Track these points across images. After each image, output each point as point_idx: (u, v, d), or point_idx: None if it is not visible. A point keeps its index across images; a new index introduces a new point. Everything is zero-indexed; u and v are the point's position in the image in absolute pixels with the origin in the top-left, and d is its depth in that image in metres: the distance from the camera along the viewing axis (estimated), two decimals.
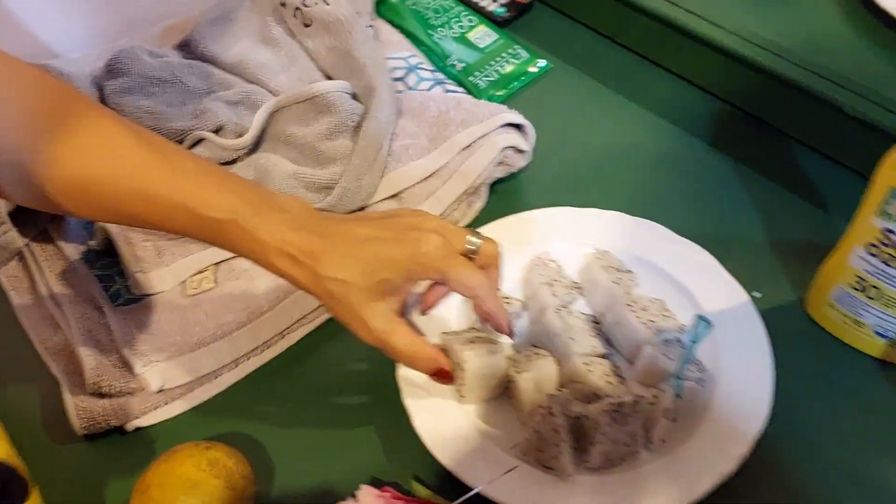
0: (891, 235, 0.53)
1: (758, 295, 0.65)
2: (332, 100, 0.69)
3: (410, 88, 0.79)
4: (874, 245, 0.55)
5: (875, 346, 0.60)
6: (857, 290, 0.58)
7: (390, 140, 0.71)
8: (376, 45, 0.75)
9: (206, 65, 0.77)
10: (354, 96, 0.72)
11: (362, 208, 0.69)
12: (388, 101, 0.71)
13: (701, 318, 0.51)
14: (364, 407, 0.61)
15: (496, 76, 0.83)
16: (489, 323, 0.55)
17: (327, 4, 0.75)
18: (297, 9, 0.76)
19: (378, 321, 0.51)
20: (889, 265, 0.54)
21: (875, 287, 0.56)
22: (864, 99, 0.69)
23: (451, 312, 0.64)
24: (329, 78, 0.77)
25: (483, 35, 0.86)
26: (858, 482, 0.55)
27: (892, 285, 0.55)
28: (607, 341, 0.62)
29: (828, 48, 0.76)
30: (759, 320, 0.60)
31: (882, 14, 0.77)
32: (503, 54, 0.85)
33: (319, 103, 0.69)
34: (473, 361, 0.57)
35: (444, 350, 0.59)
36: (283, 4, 0.78)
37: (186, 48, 0.82)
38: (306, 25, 0.76)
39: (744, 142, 0.77)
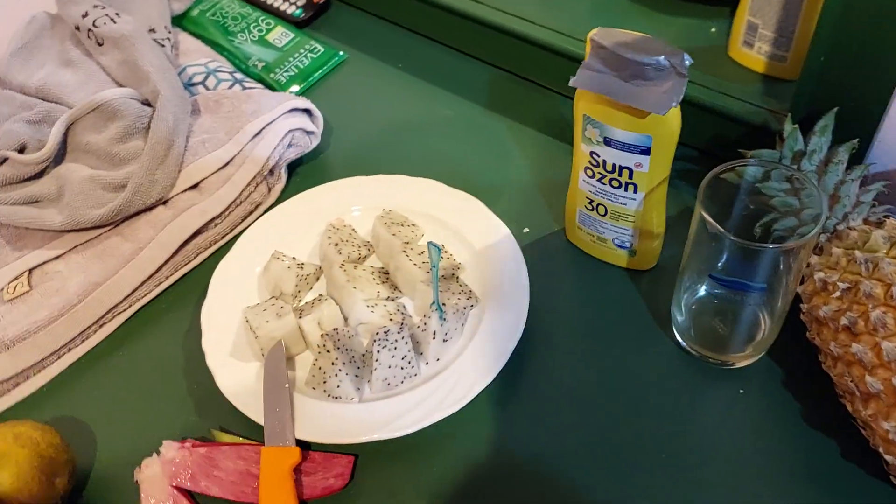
0: (595, 157, 0.62)
1: (527, 230, 0.73)
2: (117, 106, 0.74)
3: (209, 90, 0.85)
4: (588, 168, 0.63)
5: (620, 258, 0.69)
6: (590, 209, 0.67)
7: (186, 137, 0.77)
8: (161, 53, 0.81)
9: (9, 92, 0.81)
10: (147, 103, 0.78)
11: (164, 202, 0.74)
12: (175, 101, 0.77)
13: (430, 243, 0.59)
14: (175, 377, 0.67)
15: (295, 71, 0.90)
16: None
17: (115, 23, 0.80)
18: (90, 30, 0.82)
19: None
20: (603, 183, 0.63)
21: (601, 205, 0.65)
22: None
23: (252, 288, 0.70)
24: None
25: (281, 35, 0.93)
26: (607, 368, 0.64)
27: (612, 200, 0.64)
28: (395, 287, 0.69)
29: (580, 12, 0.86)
30: (518, 250, 0.68)
31: None
32: (301, 50, 0.92)
33: (107, 110, 0.75)
34: (263, 328, 0.64)
35: (246, 322, 0.66)
36: (77, 28, 0.83)
37: None
38: (99, 44, 0.82)
39: (511, 99, 0.86)
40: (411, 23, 0.95)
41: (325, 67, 0.92)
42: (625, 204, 0.63)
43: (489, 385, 0.61)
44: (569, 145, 0.80)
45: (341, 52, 0.93)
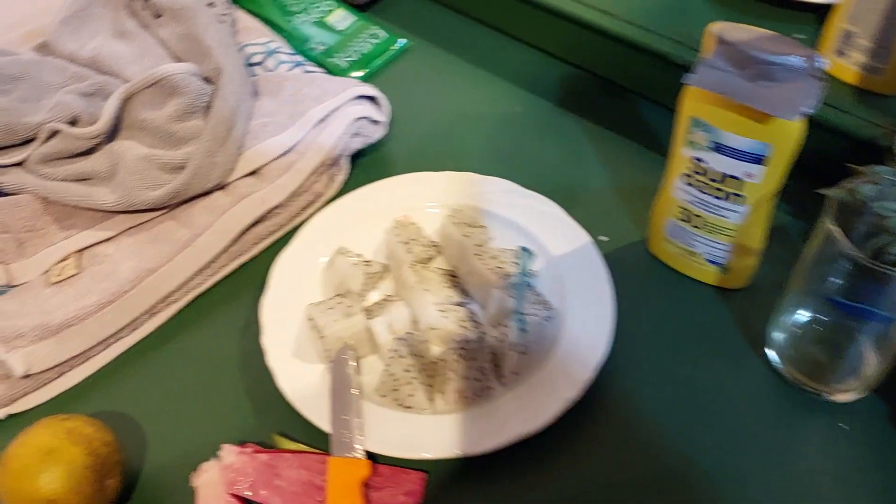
0: (700, 163, 0.57)
1: (605, 239, 0.69)
2: (178, 81, 0.70)
3: (270, 71, 0.81)
4: (688, 175, 0.59)
5: (709, 274, 0.65)
6: (683, 220, 0.62)
7: (247, 119, 0.73)
8: (223, 28, 0.76)
9: (60, 60, 0.77)
10: (206, 79, 0.74)
11: (222, 187, 0.70)
12: (238, 80, 0.73)
13: (523, 248, 0.55)
14: (231, 375, 0.63)
15: (357, 56, 0.86)
16: None
17: None
18: (147, 0, 0.77)
19: None
20: (704, 192, 0.59)
21: (697, 216, 0.61)
22: (684, 46, 0.74)
23: (315, 283, 0.66)
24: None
25: (341, 18, 0.89)
26: (695, 390, 0.60)
27: (711, 212, 0.60)
28: (464, 292, 0.65)
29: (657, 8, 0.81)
30: (601, 260, 0.64)
31: None
32: (362, 35, 0.88)
33: (166, 86, 0.70)
34: (330, 328, 0.59)
35: (310, 320, 0.62)
36: None
37: (45, 50, 0.82)
38: (156, 16, 0.77)
39: (586, 99, 0.82)
40: (478, 11, 0.91)
41: (386, 54, 0.87)
42: (726, 216, 0.59)
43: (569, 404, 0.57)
44: (649, 150, 0.76)
45: (403, 39, 0.89)
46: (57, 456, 0.51)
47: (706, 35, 0.53)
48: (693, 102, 0.55)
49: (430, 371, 0.59)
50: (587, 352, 0.59)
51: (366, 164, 0.77)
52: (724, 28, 0.52)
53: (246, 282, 0.69)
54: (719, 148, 0.55)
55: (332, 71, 0.85)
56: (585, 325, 0.61)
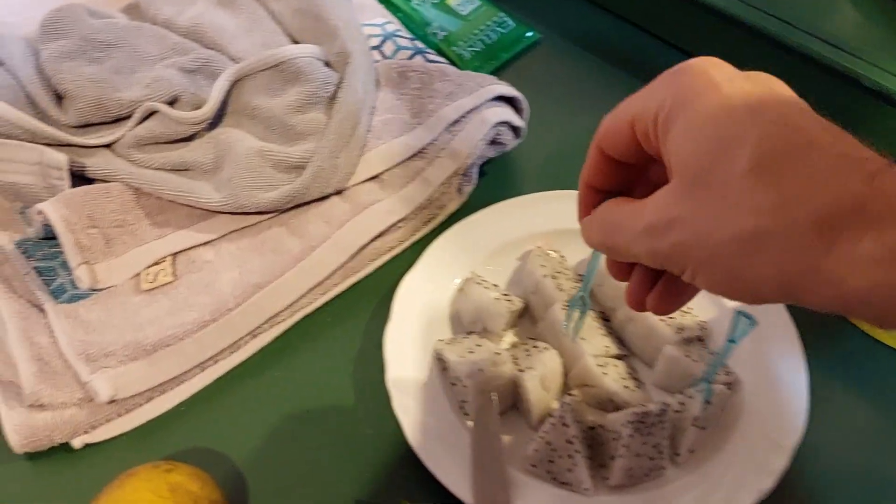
0: None
1: None
2: (303, 66, 0.61)
3: (387, 58, 0.71)
4: None
5: None
6: None
7: (370, 114, 0.63)
8: (349, 6, 0.67)
9: (157, 28, 0.68)
10: (327, 64, 0.64)
11: (339, 192, 0.61)
12: (366, 69, 0.63)
13: (742, 314, 0.45)
14: (347, 416, 0.54)
15: (481, 46, 0.76)
16: None
17: None
18: None
19: None
20: None
21: None
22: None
23: (443, 314, 0.57)
24: (296, 43, 0.69)
25: (464, 1, 0.79)
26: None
27: None
28: (620, 341, 0.56)
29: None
30: (788, 316, 0.54)
31: None
32: (488, 23, 0.78)
33: (287, 71, 0.61)
34: (474, 376, 0.50)
35: (440, 361, 0.53)
36: None
37: (135, 12, 0.73)
38: None
39: None
40: (619, 6, 0.80)
41: (514, 46, 0.77)
42: None
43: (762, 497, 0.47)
44: None
45: (533, 31, 0.79)
46: None
47: None
48: None
49: (588, 440, 0.50)
50: (779, 431, 0.50)
51: (492, 175, 0.68)
52: None
53: (357, 302, 0.60)
54: None
55: (453, 61, 0.75)
56: (775, 398, 0.51)
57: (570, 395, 0.50)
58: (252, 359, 0.57)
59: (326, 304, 0.60)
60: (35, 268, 0.57)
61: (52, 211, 0.55)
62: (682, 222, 0.32)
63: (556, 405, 0.51)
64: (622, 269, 0.41)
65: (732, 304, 0.56)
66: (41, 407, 0.51)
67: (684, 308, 0.55)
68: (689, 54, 0.75)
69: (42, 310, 0.55)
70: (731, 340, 0.46)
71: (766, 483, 0.47)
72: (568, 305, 0.53)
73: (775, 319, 0.54)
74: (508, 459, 0.50)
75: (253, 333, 0.56)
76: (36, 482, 0.52)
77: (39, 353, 0.53)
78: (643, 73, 0.74)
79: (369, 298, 0.60)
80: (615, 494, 0.49)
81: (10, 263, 0.58)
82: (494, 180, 0.67)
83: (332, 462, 0.52)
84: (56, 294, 0.56)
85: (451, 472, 0.49)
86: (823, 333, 0.57)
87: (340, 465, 0.52)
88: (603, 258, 0.42)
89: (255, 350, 0.57)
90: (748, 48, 0.70)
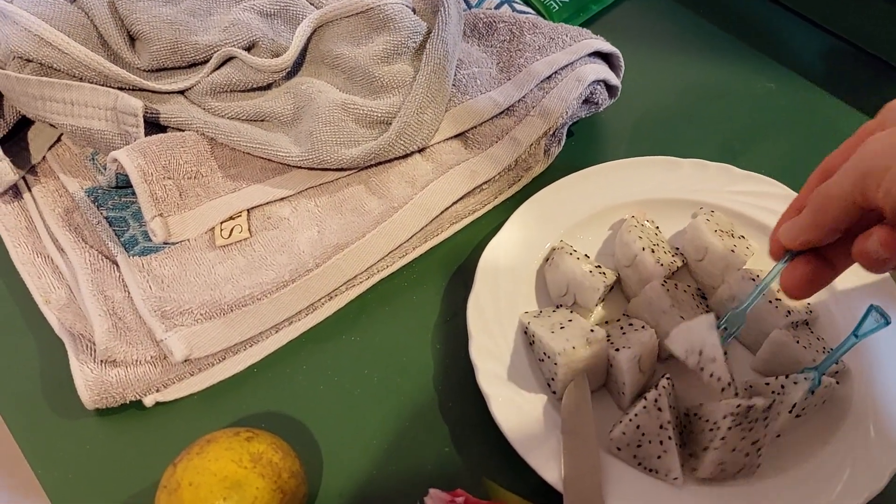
0: None
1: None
2: (391, 14, 0.57)
3: (472, 7, 0.67)
4: None
5: None
6: None
7: (455, 67, 0.60)
8: None
9: None
10: (414, 11, 0.60)
11: (422, 150, 0.58)
12: (456, 18, 0.60)
13: (876, 309, 0.41)
14: (427, 387, 0.52)
15: None
16: None
17: None
18: None
19: None
20: None
21: None
22: None
23: (530, 283, 0.54)
24: None
25: None
26: None
27: None
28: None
29: None
30: None
31: None
32: None
33: (375, 18, 0.57)
34: (568, 354, 0.47)
35: (527, 335, 0.50)
36: None
37: None
38: None
39: (870, 88, 0.66)
40: None
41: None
42: None
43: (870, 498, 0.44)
44: None
45: None
46: (242, 491, 0.40)
47: None
48: None
49: (679, 427, 0.47)
50: (891, 427, 0.46)
51: (578, 138, 0.64)
52: None
53: (435, 266, 0.57)
54: None
55: (541, 12, 0.71)
56: (886, 390, 0.47)
57: (667, 378, 0.46)
58: (327, 322, 0.55)
59: (403, 267, 0.57)
60: (106, 217, 0.55)
61: (128, 160, 0.53)
62: None
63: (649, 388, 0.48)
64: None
65: (842, 287, 0.52)
66: (113, 363, 0.50)
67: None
68: (798, 14, 0.70)
69: (114, 262, 0.54)
70: (856, 335, 0.42)
71: (878, 484, 0.44)
72: (724, 321, 0.48)
73: (890, 305, 0.50)
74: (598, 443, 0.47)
75: (329, 295, 0.54)
76: (106, 440, 0.50)
77: (113, 307, 0.51)
78: (739, 29, 0.70)
79: (448, 264, 0.57)
80: (703, 486, 0.45)
81: (79, 212, 0.57)
82: (582, 142, 0.63)
83: (410, 435, 0.50)
84: (128, 246, 0.54)
85: (538, 452, 0.46)
86: None
87: (419, 438, 0.50)
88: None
89: (331, 313, 0.55)
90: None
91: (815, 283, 0.40)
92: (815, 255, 0.40)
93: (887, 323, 0.41)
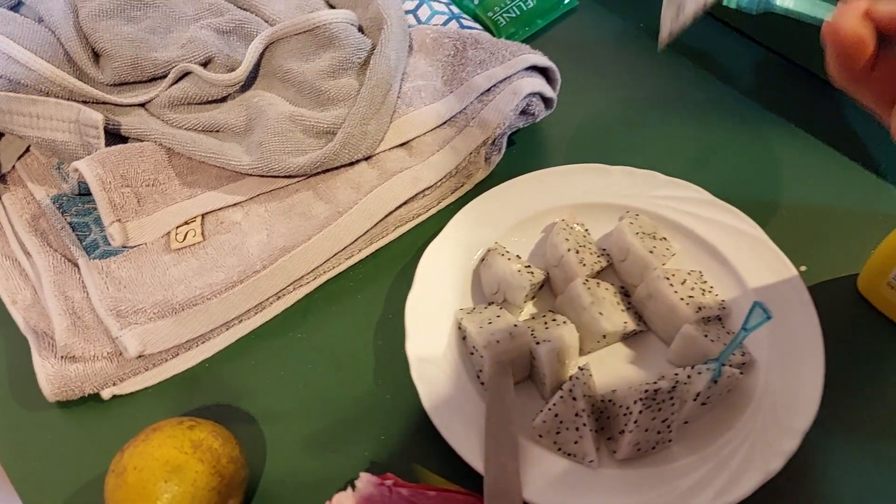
0: None
1: (803, 269, 0.59)
2: (337, 32, 0.61)
3: (422, 22, 0.71)
4: None
5: None
6: None
7: (400, 80, 0.63)
8: None
9: None
10: (361, 29, 0.64)
11: (367, 158, 0.61)
12: (400, 35, 0.63)
13: (760, 305, 0.45)
14: (366, 380, 0.55)
15: (517, 13, 0.75)
16: None
17: None
18: None
19: None
20: None
21: None
22: None
23: (465, 283, 0.58)
24: (331, 7, 0.69)
25: None
26: None
27: None
28: (638, 317, 0.56)
29: None
30: (810, 301, 0.54)
31: None
32: None
33: (322, 35, 0.61)
34: (493, 348, 0.51)
35: (460, 330, 0.54)
36: None
37: None
38: None
39: (790, 95, 0.70)
40: None
41: (551, 14, 0.76)
42: None
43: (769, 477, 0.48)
44: (863, 168, 0.65)
45: None
46: (182, 475, 0.44)
47: None
48: None
49: (596, 414, 0.50)
50: (790, 415, 0.50)
51: (519, 146, 0.67)
52: None
53: (380, 269, 0.61)
54: None
55: (488, 27, 0.74)
56: (789, 381, 0.51)
57: (582, 369, 0.50)
58: (275, 320, 0.58)
59: (350, 268, 0.60)
60: (69, 223, 0.59)
61: (88, 169, 0.57)
62: None
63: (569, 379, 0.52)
64: None
65: (753, 287, 0.55)
66: (73, 359, 0.53)
67: (704, 286, 0.55)
68: (732, 28, 0.74)
69: (76, 265, 0.57)
70: (745, 329, 0.46)
71: (774, 464, 0.48)
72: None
73: (797, 303, 0.54)
74: (518, 429, 0.51)
75: (277, 295, 0.58)
76: (67, 430, 0.54)
77: (73, 307, 0.55)
78: (681, 45, 0.74)
79: (392, 265, 0.61)
80: (622, 469, 0.49)
81: (45, 218, 0.60)
82: (522, 150, 0.67)
83: (348, 425, 0.53)
84: (89, 250, 0.58)
85: (464, 439, 0.50)
86: (842, 317, 0.57)
87: (357, 428, 0.53)
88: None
89: (279, 311, 0.58)
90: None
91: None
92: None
93: (769, 318, 0.45)
